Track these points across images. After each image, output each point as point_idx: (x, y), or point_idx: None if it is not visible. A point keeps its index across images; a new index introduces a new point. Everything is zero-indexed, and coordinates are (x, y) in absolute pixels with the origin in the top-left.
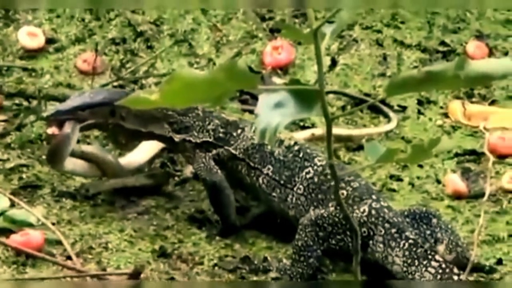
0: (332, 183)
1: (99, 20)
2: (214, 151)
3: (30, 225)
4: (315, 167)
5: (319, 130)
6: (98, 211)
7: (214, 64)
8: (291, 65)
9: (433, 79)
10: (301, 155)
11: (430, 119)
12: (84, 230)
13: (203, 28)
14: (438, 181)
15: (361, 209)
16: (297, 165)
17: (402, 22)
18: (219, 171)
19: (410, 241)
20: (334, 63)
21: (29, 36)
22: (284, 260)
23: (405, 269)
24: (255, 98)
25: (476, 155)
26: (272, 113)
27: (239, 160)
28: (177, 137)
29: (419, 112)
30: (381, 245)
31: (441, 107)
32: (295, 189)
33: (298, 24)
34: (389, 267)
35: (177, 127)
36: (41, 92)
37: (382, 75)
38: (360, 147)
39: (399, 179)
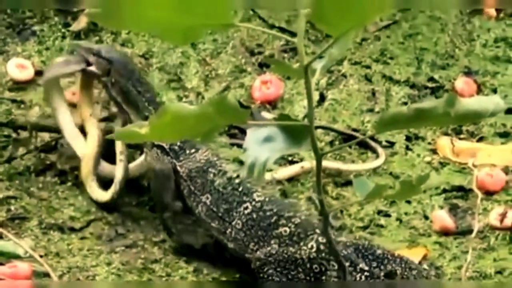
0: (272, 220)
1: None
2: (165, 158)
3: (17, 257)
4: (254, 203)
5: (308, 164)
6: (86, 244)
7: (203, 97)
8: (279, 99)
9: (423, 116)
10: (240, 188)
11: (418, 155)
12: (71, 262)
13: (192, 62)
14: (426, 217)
15: (309, 245)
16: (236, 199)
17: (391, 58)
18: (170, 164)
19: (366, 273)
20: (322, 98)
21: (18, 68)
22: None
23: None
24: (243, 132)
25: (464, 192)
26: (260, 147)
27: (182, 179)
28: None
29: (407, 148)
30: (335, 280)
31: (429, 143)
32: (233, 223)
33: (287, 58)
34: None
35: (144, 114)
36: (31, 124)
37: (371, 110)
38: (348, 183)
39: (387, 215)
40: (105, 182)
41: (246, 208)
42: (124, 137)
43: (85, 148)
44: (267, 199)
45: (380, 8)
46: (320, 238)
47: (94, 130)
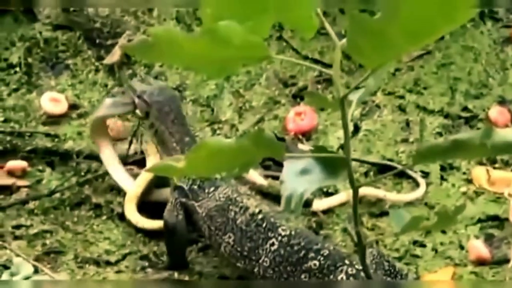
0: (301, 254)
1: (122, 86)
2: (183, 200)
3: None
4: (280, 238)
5: (344, 195)
6: (122, 277)
7: (237, 130)
8: (313, 131)
9: (460, 147)
10: (264, 224)
11: (453, 185)
12: None
13: (225, 94)
14: (462, 247)
15: (338, 278)
16: (260, 236)
17: (425, 88)
18: (181, 216)
19: None
20: (356, 129)
21: (52, 101)
22: None
23: None
24: (278, 164)
25: (499, 221)
26: (297, 180)
27: (202, 220)
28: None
29: (442, 178)
30: None
31: (464, 173)
32: (260, 261)
33: (321, 89)
34: None
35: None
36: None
37: (405, 140)
38: (383, 213)
39: (422, 245)
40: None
41: (273, 244)
42: (160, 171)
43: (133, 185)
44: (293, 232)
45: (418, 42)
46: (349, 270)
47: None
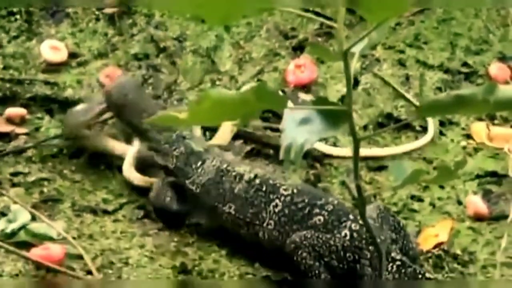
0: (306, 211)
1: (122, 35)
2: (172, 179)
3: (51, 239)
4: (283, 198)
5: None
6: (119, 226)
7: (237, 81)
8: (313, 83)
9: (462, 103)
10: (264, 188)
11: (452, 140)
12: (104, 245)
13: (226, 45)
14: (460, 203)
15: (342, 234)
16: (262, 200)
17: (425, 43)
18: (168, 197)
19: (398, 262)
20: (356, 82)
21: (52, 49)
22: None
23: None
24: (277, 115)
25: (498, 177)
26: (297, 129)
27: (197, 196)
28: (151, 153)
29: (441, 133)
30: (369, 269)
31: (463, 129)
32: (264, 225)
33: (321, 43)
34: None
35: (153, 144)
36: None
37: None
38: (381, 167)
39: (420, 200)
40: None
41: (276, 205)
42: (164, 121)
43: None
44: (295, 190)
45: None
46: (353, 226)
47: None
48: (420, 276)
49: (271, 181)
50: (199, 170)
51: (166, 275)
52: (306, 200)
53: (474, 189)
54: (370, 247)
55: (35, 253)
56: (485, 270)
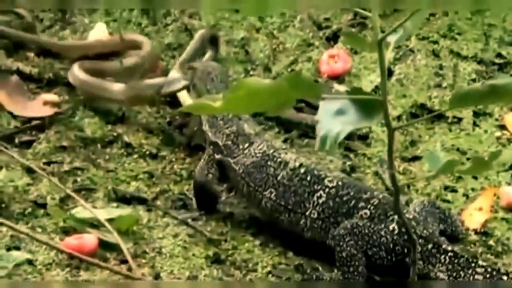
0: (351, 204)
1: (156, 25)
2: (219, 156)
3: (93, 225)
4: (327, 190)
5: None
6: (152, 216)
7: (270, 71)
8: (346, 74)
9: (497, 92)
10: (308, 178)
11: (486, 131)
12: (138, 234)
13: (259, 35)
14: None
15: (390, 228)
16: (306, 189)
17: (459, 34)
18: (210, 175)
19: (450, 253)
20: (390, 73)
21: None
22: (336, 270)
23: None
24: (310, 106)
25: None
26: (333, 120)
27: (240, 176)
28: (205, 127)
29: (475, 124)
30: (420, 262)
31: (496, 119)
32: (307, 214)
33: (355, 33)
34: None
35: (209, 118)
36: None
37: (438, 86)
38: (415, 158)
39: (454, 190)
40: None
41: (320, 196)
42: (198, 110)
43: None
44: (340, 183)
45: None
46: (400, 219)
47: None
48: (473, 264)
49: (315, 172)
50: (246, 151)
51: (199, 265)
52: (352, 193)
53: (508, 180)
54: (420, 241)
55: (69, 242)
56: None
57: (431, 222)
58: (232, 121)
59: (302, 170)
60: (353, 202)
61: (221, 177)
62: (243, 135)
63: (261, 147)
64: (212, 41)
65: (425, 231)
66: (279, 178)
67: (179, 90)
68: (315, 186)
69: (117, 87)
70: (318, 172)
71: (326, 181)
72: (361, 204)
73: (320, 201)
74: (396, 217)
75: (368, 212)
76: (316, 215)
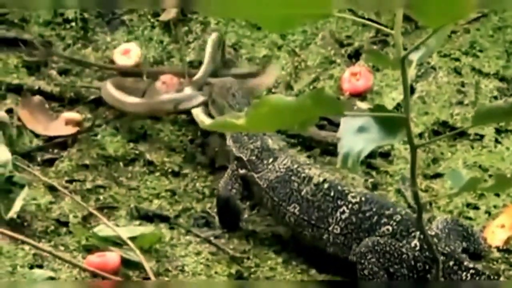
0: (373, 220)
1: (178, 43)
2: (243, 171)
3: (115, 243)
4: (350, 206)
5: None
6: (175, 234)
7: (292, 89)
8: (368, 91)
9: None
10: (332, 193)
11: (508, 148)
12: (161, 252)
13: (281, 53)
14: None
15: (412, 244)
16: (329, 204)
17: (480, 51)
18: (234, 190)
19: (471, 271)
20: (412, 90)
21: (124, 55)
22: None
23: None
24: (332, 124)
25: None
26: (355, 138)
27: (264, 191)
28: (229, 142)
29: (497, 141)
30: (441, 279)
31: None
32: (330, 229)
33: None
34: None
35: (233, 133)
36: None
37: (460, 103)
38: (437, 175)
39: (476, 208)
40: None
41: (343, 212)
42: (221, 127)
43: None
44: (363, 198)
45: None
46: (422, 236)
47: None
48: (494, 282)
49: (339, 187)
50: (270, 166)
51: (222, 283)
52: (374, 209)
53: None
54: (441, 257)
55: (91, 260)
56: None
57: (454, 239)
58: (257, 136)
59: (325, 186)
60: (375, 218)
61: (244, 193)
62: (267, 150)
63: (285, 162)
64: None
65: (446, 248)
66: (303, 193)
67: (197, 105)
68: (338, 202)
69: (135, 100)
70: (341, 188)
71: (349, 196)
72: (384, 220)
73: (343, 216)
74: (418, 233)
75: (391, 228)
76: (339, 231)
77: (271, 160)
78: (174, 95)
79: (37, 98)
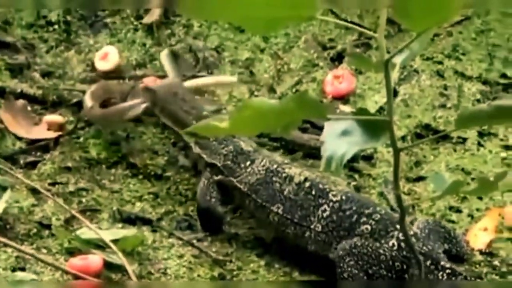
0: (353, 218)
1: (160, 46)
2: (219, 177)
3: (98, 246)
4: (331, 204)
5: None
6: (157, 237)
7: (275, 92)
8: (351, 94)
9: (503, 113)
10: (313, 192)
11: (490, 151)
12: (143, 255)
13: (264, 56)
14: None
15: (390, 244)
16: (311, 203)
17: (463, 54)
18: (213, 198)
19: (448, 271)
20: (395, 93)
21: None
22: None
23: None
24: (315, 127)
25: None
26: (338, 141)
27: (245, 194)
28: (195, 149)
29: (479, 144)
30: (419, 278)
31: (501, 140)
32: (312, 227)
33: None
34: None
35: (199, 139)
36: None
37: (443, 106)
38: (420, 178)
39: (458, 211)
40: None
41: (324, 210)
42: (204, 131)
43: None
44: (344, 197)
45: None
46: (400, 236)
47: None
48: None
49: (320, 185)
50: (248, 169)
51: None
52: (354, 208)
53: None
54: (420, 257)
55: (74, 263)
56: None
57: (434, 240)
58: (227, 140)
59: (307, 184)
60: (355, 217)
61: (223, 198)
62: (242, 154)
63: (263, 163)
64: (174, 59)
65: (424, 248)
66: (285, 192)
67: (140, 114)
68: (320, 200)
69: (88, 107)
70: (323, 186)
71: (330, 195)
72: (363, 219)
73: (325, 215)
74: (396, 233)
75: (369, 228)
76: (320, 229)
77: (248, 163)
78: (119, 106)
79: (20, 102)
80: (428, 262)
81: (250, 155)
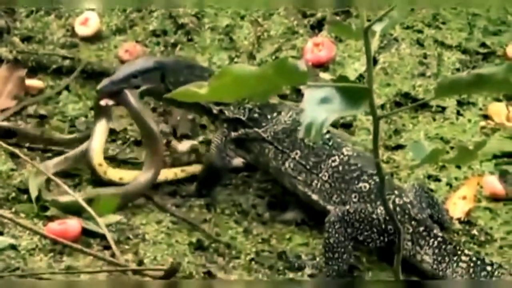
0: (355, 174)
1: (140, 12)
2: (242, 131)
3: (76, 212)
4: (342, 156)
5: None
6: (135, 202)
7: (255, 58)
8: (331, 62)
9: (482, 82)
10: (330, 143)
11: (469, 120)
12: (121, 220)
13: (244, 23)
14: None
15: (382, 208)
16: (325, 152)
17: (443, 23)
18: (227, 159)
19: (439, 239)
20: (374, 61)
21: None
22: (318, 258)
23: (435, 266)
24: (296, 92)
25: None
26: (318, 108)
27: (267, 143)
28: (215, 109)
29: (458, 113)
30: (409, 243)
31: (480, 109)
32: (320, 175)
33: (340, 21)
34: (418, 264)
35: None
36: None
37: (422, 75)
38: (399, 146)
39: (437, 180)
40: None
41: (334, 160)
42: (184, 97)
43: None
44: (355, 154)
45: None
46: (397, 200)
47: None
48: (459, 252)
49: (338, 139)
50: (275, 119)
51: (183, 252)
52: (359, 165)
53: (491, 170)
54: (413, 223)
55: (52, 228)
56: (501, 251)
57: (425, 207)
58: None
59: (327, 136)
60: (357, 173)
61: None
62: (267, 106)
63: (290, 114)
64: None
65: (419, 215)
66: (306, 140)
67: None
68: (333, 151)
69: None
70: (340, 140)
71: (344, 149)
72: (364, 177)
73: (333, 164)
74: (392, 197)
75: (368, 186)
76: (326, 178)
77: (275, 114)
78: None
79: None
80: (421, 229)
81: (277, 107)
